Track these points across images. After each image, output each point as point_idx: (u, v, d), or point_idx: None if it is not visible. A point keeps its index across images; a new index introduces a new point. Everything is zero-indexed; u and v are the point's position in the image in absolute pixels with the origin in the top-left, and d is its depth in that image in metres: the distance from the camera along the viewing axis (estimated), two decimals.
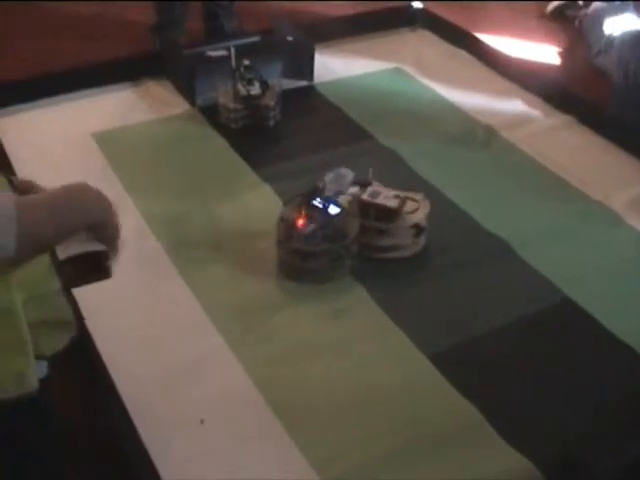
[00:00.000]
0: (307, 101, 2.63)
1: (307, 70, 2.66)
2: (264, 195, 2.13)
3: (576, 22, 3.51)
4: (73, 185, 1.15)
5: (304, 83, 2.67)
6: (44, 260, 1.20)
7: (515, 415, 1.57)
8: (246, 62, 2.40)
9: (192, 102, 2.52)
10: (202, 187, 2.17)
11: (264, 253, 1.92)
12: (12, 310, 1.11)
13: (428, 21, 3.06)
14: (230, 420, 1.55)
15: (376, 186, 1.95)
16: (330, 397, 1.60)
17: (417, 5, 3.07)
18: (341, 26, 2.98)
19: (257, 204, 2.10)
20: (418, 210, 1.93)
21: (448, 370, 1.65)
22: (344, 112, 2.54)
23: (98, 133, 2.36)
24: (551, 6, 3.74)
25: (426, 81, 2.72)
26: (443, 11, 3.16)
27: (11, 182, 1.23)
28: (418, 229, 1.92)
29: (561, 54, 3.40)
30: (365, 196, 1.91)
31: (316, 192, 1.83)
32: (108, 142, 2.33)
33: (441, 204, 2.06)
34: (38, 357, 1.18)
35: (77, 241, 1.19)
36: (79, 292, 1.50)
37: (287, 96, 2.48)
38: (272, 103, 2.40)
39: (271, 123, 2.43)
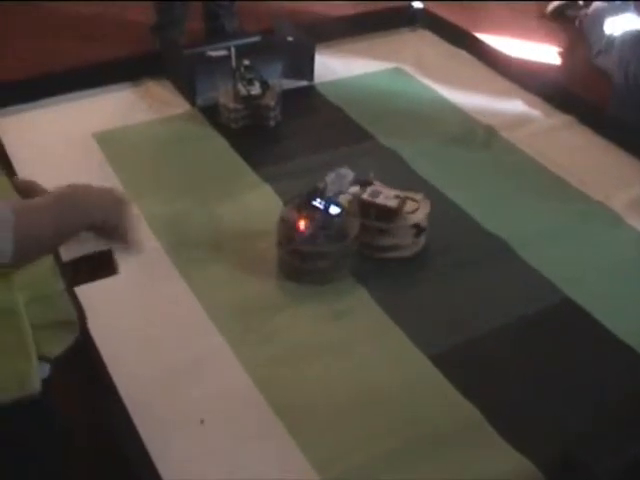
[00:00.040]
0: (307, 101, 2.63)
1: (307, 70, 2.66)
2: (264, 195, 2.13)
3: (576, 22, 3.52)
4: (73, 186, 1.15)
5: (304, 83, 2.67)
6: (48, 260, 1.20)
7: (515, 415, 1.57)
8: (246, 62, 2.40)
9: (192, 102, 2.52)
10: (202, 187, 2.17)
11: (264, 253, 1.92)
12: (14, 311, 1.11)
13: (428, 21, 3.06)
14: (230, 420, 1.55)
15: (377, 186, 1.95)
16: (330, 397, 1.60)
17: (417, 5, 3.06)
18: (341, 26, 2.98)
19: (257, 204, 2.10)
20: (418, 210, 1.93)
21: (448, 370, 1.65)
22: (344, 112, 2.54)
23: (99, 133, 2.36)
24: (551, 6, 3.75)
25: (426, 81, 2.72)
26: (443, 11, 3.16)
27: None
28: (418, 229, 1.92)
29: (561, 54, 3.40)
30: (365, 195, 1.91)
31: (316, 192, 1.83)
32: (109, 142, 2.33)
33: (441, 204, 2.06)
34: (41, 358, 1.18)
35: (81, 241, 1.20)
36: (79, 292, 1.51)
37: (287, 96, 2.48)
38: (272, 103, 2.40)
39: (271, 123, 2.43)
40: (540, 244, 2.00)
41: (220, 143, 2.36)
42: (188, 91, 2.53)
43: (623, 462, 1.40)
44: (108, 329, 1.68)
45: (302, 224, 1.80)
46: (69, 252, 1.24)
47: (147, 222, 1.99)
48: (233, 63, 2.42)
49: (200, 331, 1.73)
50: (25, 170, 1.97)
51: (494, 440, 1.51)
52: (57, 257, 1.25)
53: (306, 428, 1.53)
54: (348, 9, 3.32)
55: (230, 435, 1.52)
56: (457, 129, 2.47)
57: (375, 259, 1.92)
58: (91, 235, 1.21)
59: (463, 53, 2.91)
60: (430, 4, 3.10)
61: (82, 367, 1.59)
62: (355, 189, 1.92)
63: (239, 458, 1.48)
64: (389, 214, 1.90)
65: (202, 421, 1.53)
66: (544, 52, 3.37)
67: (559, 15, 3.71)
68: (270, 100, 2.40)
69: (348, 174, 1.91)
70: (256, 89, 2.38)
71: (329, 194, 1.84)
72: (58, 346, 1.24)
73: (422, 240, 1.95)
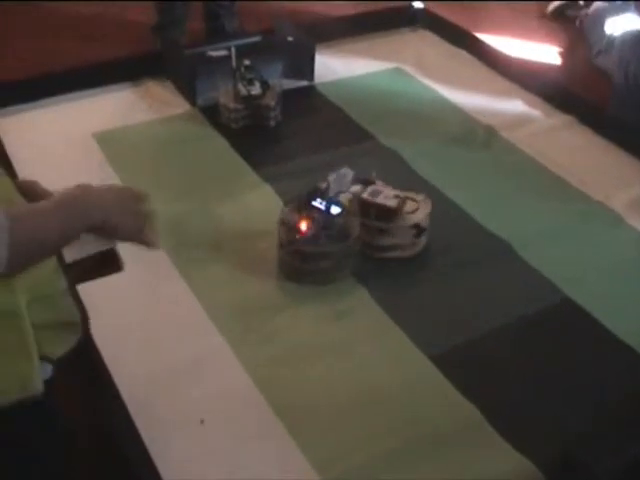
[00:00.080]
0: (308, 101, 2.63)
1: (308, 70, 2.66)
2: (264, 195, 2.13)
3: (577, 22, 3.52)
4: (72, 189, 1.15)
5: (305, 83, 2.67)
6: (50, 260, 1.20)
7: (515, 415, 1.57)
8: (247, 62, 2.40)
9: (193, 102, 2.52)
10: (203, 187, 2.17)
11: (264, 253, 1.92)
12: (16, 312, 1.10)
13: (429, 21, 3.06)
14: (230, 420, 1.55)
15: (379, 185, 1.95)
16: (331, 398, 1.60)
17: (418, 5, 3.07)
18: (342, 26, 2.98)
19: (257, 204, 2.10)
20: (418, 210, 1.93)
21: (448, 370, 1.65)
22: (345, 112, 2.54)
23: (99, 133, 2.37)
24: (552, 6, 3.74)
25: (427, 81, 2.72)
26: (444, 11, 3.16)
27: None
28: (419, 229, 1.92)
29: (562, 54, 3.40)
30: (365, 195, 1.91)
31: (316, 193, 1.83)
32: (109, 142, 2.33)
33: (442, 204, 2.06)
34: (43, 359, 1.18)
35: (84, 241, 1.20)
36: (79, 292, 1.50)
37: (288, 96, 2.48)
38: (273, 103, 2.40)
39: (272, 123, 2.43)
40: (540, 244, 2.00)
41: (220, 143, 2.36)
42: (188, 91, 2.53)
43: (623, 462, 1.40)
44: (108, 329, 1.68)
45: (303, 225, 1.80)
46: (71, 252, 1.24)
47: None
48: (233, 63, 2.42)
49: (200, 331, 1.73)
50: (25, 170, 1.97)
51: (494, 440, 1.51)
52: (59, 256, 1.25)
53: (306, 428, 1.53)
54: (348, 9, 3.32)
55: (230, 435, 1.52)
56: (457, 129, 2.48)
57: (375, 259, 1.92)
58: (92, 237, 1.21)
59: (463, 53, 2.91)
60: (430, 4, 3.10)
61: (82, 367, 1.59)
62: (356, 188, 1.92)
63: (239, 458, 1.48)
64: (388, 214, 1.90)
65: (202, 421, 1.53)
66: (544, 52, 3.36)
67: (559, 15, 3.71)
68: (270, 100, 2.40)
69: (348, 173, 1.91)
70: (256, 89, 2.38)
71: (331, 194, 1.84)
72: (60, 347, 1.24)
73: (423, 240, 1.95)
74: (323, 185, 1.85)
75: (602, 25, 3.15)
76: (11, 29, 3.34)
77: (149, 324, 1.75)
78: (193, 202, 2.10)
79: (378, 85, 2.70)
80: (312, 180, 1.89)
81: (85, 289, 1.48)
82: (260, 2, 3.50)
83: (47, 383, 1.18)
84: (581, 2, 3.64)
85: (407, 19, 3.07)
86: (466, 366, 1.67)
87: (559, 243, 2.01)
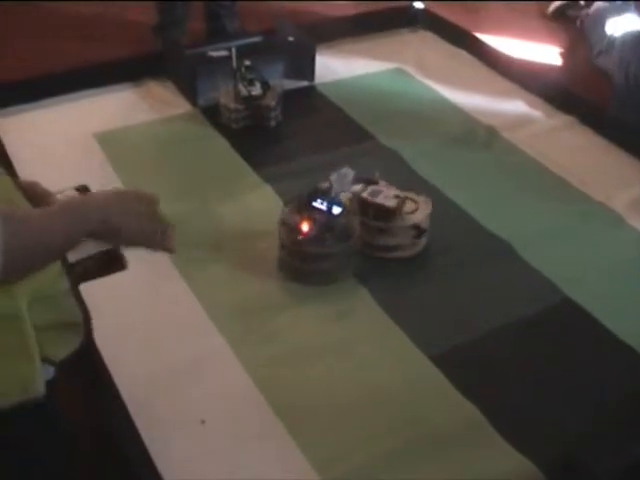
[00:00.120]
0: (308, 101, 2.63)
1: (308, 70, 2.66)
2: (265, 195, 2.13)
3: (577, 22, 3.52)
4: (77, 196, 1.15)
5: (305, 83, 2.67)
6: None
7: (515, 415, 1.57)
8: (247, 62, 2.40)
9: (193, 102, 2.52)
10: (203, 187, 2.17)
11: (265, 253, 1.92)
12: (17, 314, 1.10)
13: (429, 21, 3.06)
14: (231, 420, 1.55)
15: (381, 185, 1.95)
16: (331, 398, 1.60)
17: (418, 5, 3.06)
18: (342, 26, 2.98)
19: (258, 204, 2.10)
20: (417, 211, 1.93)
21: (449, 370, 1.65)
22: (345, 112, 2.54)
23: (99, 133, 2.37)
24: (552, 6, 3.75)
25: (427, 81, 2.72)
26: (444, 11, 3.16)
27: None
28: (418, 230, 1.92)
29: (562, 54, 3.40)
30: (365, 194, 1.91)
31: (316, 193, 1.83)
32: (109, 142, 2.33)
33: (442, 204, 2.06)
34: (45, 360, 1.18)
35: (86, 241, 1.20)
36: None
37: (288, 96, 2.48)
38: (273, 103, 2.40)
39: (272, 123, 2.43)
40: (541, 244, 2.00)
41: (221, 143, 2.36)
42: (189, 91, 2.53)
43: (623, 462, 1.40)
44: (108, 329, 1.67)
45: (305, 226, 1.79)
46: (73, 251, 1.24)
47: None
48: (234, 63, 2.42)
49: (200, 331, 1.73)
50: (26, 170, 1.96)
51: (494, 440, 1.51)
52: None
53: (306, 428, 1.53)
54: (349, 9, 3.33)
55: (230, 435, 1.52)
56: (458, 129, 2.47)
57: (376, 260, 1.92)
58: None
59: (464, 53, 2.91)
60: (431, 4, 3.10)
61: (82, 367, 1.59)
62: (358, 187, 1.92)
63: (239, 458, 1.48)
64: (387, 214, 1.89)
65: (203, 421, 1.53)
66: (545, 52, 3.37)
67: (560, 15, 3.72)
68: (271, 100, 2.40)
69: (349, 173, 1.90)
70: (257, 89, 2.38)
71: (333, 194, 1.84)
72: (63, 349, 1.23)
73: (422, 241, 1.95)
74: (324, 185, 1.85)
75: (603, 25, 3.15)
76: (11, 29, 3.35)
77: (149, 324, 1.75)
78: (193, 202, 2.10)
79: (379, 85, 2.70)
80: (312, 180, 1.89)
81: (85, 289, 1.48)
82: (261, 2, 3.51)
83: (49, 385, 1.17)
84: (582, 2, 3.65)
85: (408, 19, 3.06)
86: (466, 366, 1.67)
87: (559, 243, 2.01)
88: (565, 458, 1.42)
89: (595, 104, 2.66)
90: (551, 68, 3.26)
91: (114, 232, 1.19)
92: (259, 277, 1.87)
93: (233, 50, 2.44)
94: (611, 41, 3.05)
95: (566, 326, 1.79)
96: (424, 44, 2.99)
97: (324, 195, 1.82)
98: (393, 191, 1.93)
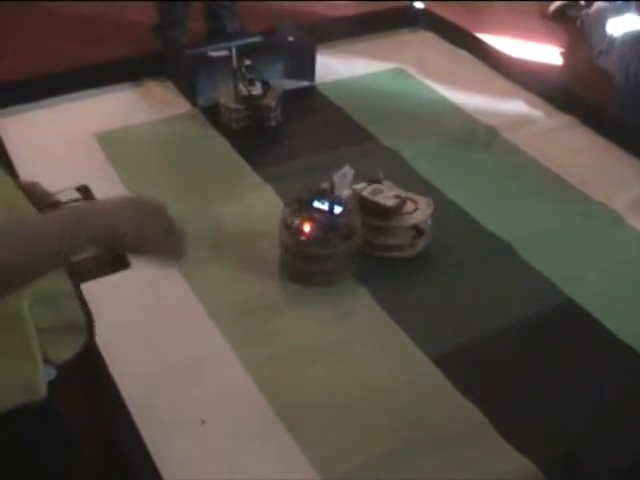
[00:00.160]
0: (308, 101, 2.63)
1: (308, 70, 2.66)
2: (265, 195, 2.13)
3: (578, 22, 3.52)
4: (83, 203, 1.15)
5: (305, 83, 2.67)
6: None
7: (516, 415, 1.57)
8: (247, 62, 2.40)
9: (193, 102, 2.52)
10: (203, 187, 2.17)
11: (265, 253, 1.92)
12: (19, 315, 1.10)
13: (430, 21, 3.06)
14: (231, 420, 1.55)
15: (384, 185, 1.95)
16: (331, 398, 1.60)
17: (419, 5, 3.06)
18: (343, 26, 2.98)
19: (258, 204, 2.10)
20: (417, 211, 1.93)
21: (449, 370, 1.65)
22: (345, 112, 2.54)
23: (100, 133, 2.37)
24: (553, 6, 3.75)
25: (428, 81, 2.72)
26: (445, 11, 3.16)
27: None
28: (418, 231, 1.92)
29: (563, 54, 3.40)
30: (365, 193, 1.91)
31: (317, 193, 1.82)
32: (110, 142, 2.33)
33: (442, 204, 2.06)
34: (47, 361, 1.18)
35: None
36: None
37: (288, 96, 2.48)
38: (273, 103, 2.40)
39: (272, 123, 2.43)
40: (541, 244, 2.00)
41: (221, 143, 2.36)
42: (189, 91, 2.53)
43: (623, 462, 1.40)
44: (108, 329, 1.67)
45: (307, 227, 1.79)
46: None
47: None
48: (234, 63, 2.42)
49: (201, 331, 1.73)
50: (26, 170, 1.97)
51: (495, 440, 1.51)
52: None
53: (306, 428, 1.53)
54: (349, 9, 3.32)
55: (231, 435, 1.52)
56: (458, 129, 2.47)
57: (376, 260, 1.92)
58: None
59: (464, 53, 2.91)
60: (431, 4, 3.10)
61: (82, 367, 1.58)
62: (360, 186, 1.92)
63: (240, 458, 1.48)
64: (386, 213, 1.89)
65: (203, 421, 1.53)
66: (545, 52, 3.37)
67: (560, 15, 3.72)
68: (271, 100, 2.40)
69: (349, 173, 1.90)
70: (257, 89, 2.38)
71: (336, 193, 1.84)
72: (65, 351, 1.22)
73: (422, 242, 1.95)
74: (325, 185, 1.85)
75: (603, 25, 3.15)
76: (11, 29, 3.35)
77: (149, 324, 1.75)
78: (194, 202, 2.10)
79: (379, 85, 2.70)
80: (313, 180, 1.88)
81: (85, 289, 1.48)
82: (261, 2, 3.51)
83: (50, 386, 1.17)
84: (582, 2, 3.65)
85: (408, 19, 3.07)
86: (467, 366, 1.67)
87: (560, 243, 2.01)
88: (565, 458, 1.42)
89: (595, 104, 2.66)
90: (551, 68, 3.26)
91: (120, 240, 1.18)
92: (259, 277, 1.87)
93: (233, 50, 2.44)
94: (611, 41, 3.04)
95: (566, 326, 1.79)
96: (424, 44, 2.99)
97: (324, 195, 1.82)
98: (395, 191, 1.93)
